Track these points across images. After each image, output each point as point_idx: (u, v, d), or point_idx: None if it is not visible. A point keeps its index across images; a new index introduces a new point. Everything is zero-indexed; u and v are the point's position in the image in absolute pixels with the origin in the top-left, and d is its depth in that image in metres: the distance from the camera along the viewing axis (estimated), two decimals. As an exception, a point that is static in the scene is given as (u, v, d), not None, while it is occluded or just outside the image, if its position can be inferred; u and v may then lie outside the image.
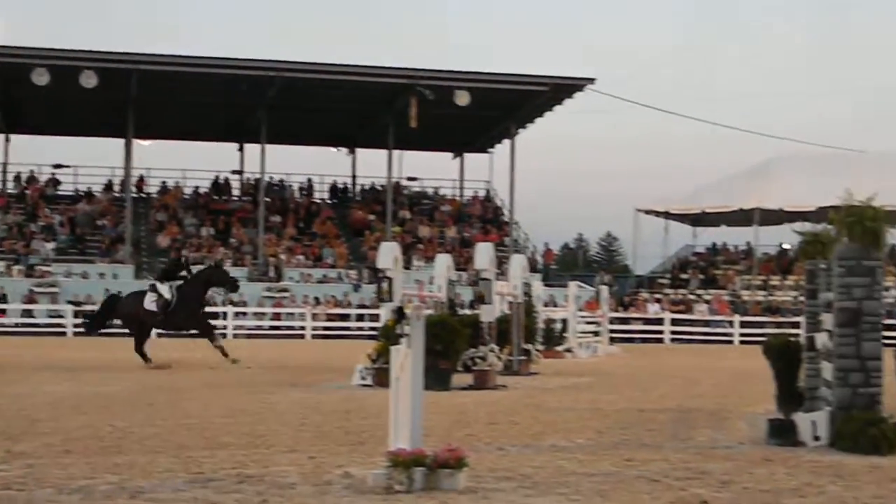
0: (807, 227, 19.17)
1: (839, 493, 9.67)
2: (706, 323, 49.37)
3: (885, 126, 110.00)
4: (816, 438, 12.66)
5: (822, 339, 13.59)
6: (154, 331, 28.72)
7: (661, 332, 48.20)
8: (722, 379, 23.71)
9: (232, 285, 29.25)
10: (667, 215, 59.01)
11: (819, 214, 40.62)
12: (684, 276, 57.31)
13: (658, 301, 52.28)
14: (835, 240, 13.54)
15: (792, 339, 14.38)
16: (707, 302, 51.90)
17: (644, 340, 46.85)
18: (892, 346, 13.29)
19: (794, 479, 10.35)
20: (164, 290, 26.67)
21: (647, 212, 58.74)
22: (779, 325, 40.06)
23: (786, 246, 56.35)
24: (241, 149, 60.40)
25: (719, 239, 60.91)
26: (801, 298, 17.03)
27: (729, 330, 48.26)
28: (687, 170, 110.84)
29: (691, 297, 53.41)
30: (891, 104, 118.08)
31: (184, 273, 27.34)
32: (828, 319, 13.28)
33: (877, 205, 12.90)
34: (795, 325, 18.41)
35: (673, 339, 47.49)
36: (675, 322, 48.84)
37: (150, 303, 26.59)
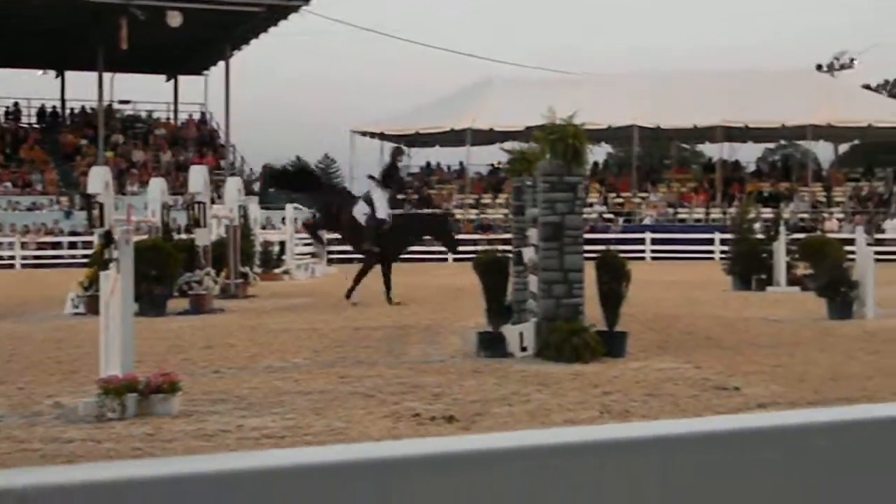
0: (515, 146, 19.68)
1: (544, 400, 10.12)
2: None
3: (594, 50, 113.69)
4: (524, 349, 13.17)
5: (528, 254, 14.10)
6: None
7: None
8: (436, 295, 24.26)
9: (451, 244, 25.21)
10: (382, 136, 59.36)
11: (527, 134, 41.63)
12: (400, 196, 57.99)
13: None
14: (539, 157, 14.03)
15: (500, 254, 14.84)
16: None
17: (361, 260, 47.19)
18: (594, 258, 13.90)
19: (502, 389, 10.76)
20: (382, 203, 22.17)
21: (363, 133, 58.98)
22: (491, 241, 40.99)
23: (496, 164, 57.72)
24: (-61, 72, 57.31)
25: (434, 159, 61.94)
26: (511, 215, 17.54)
27: (443, 248, 49.15)
28: (406, 91, 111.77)
29: (408, 216, 54.12)
30: (589, 29, 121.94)
31: (398, 193, 23.35)
32: (533, 234, 13.78)
33: (578, 123, 13.42)
34: (507, 241, 18.89)
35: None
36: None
37: (359, 214, 22.30)
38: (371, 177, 23.36)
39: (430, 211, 25.58)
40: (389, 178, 23.04)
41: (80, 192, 47.43)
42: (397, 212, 22.49)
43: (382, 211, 22.02)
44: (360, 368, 12.29)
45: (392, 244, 22.28)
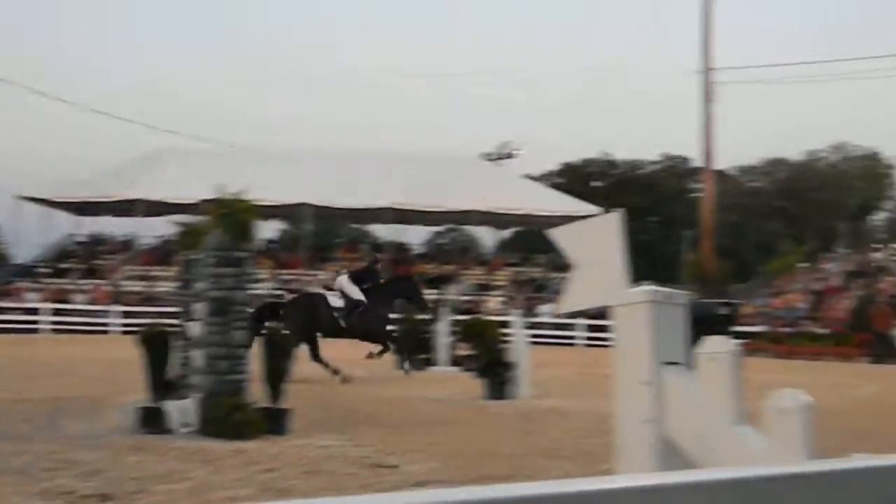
0: (187, 218, 19.65)
1: (205, 477, 10.06)
2: (86, 313, 48.77)
3: (274, 123, 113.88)
4: (186, 425, 13.05)
5: (194, 328, 14.00)
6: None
7: (39, 321, 47.05)
8: (98, 369, 23.60)
9: (420, 301, 25.90)
10: (49, 203, 57.56)
11: (200, 207, 41.19)
12: (65, 265, 56.24)
13: (37, 290, 50.97)
14: (208, 231, 14.02)
15: (164, 328, 14.68)
16: (87, 292, 51.33)
17: (21, 331, 45.45)
18: (263, 335, 13.98)
19: (162, 466, 10.62)
20: (355, 291, 23.87)
21: (30, 199, 56.95)
22: (159, 314, 40.35)
23: (166, 237, 56.90)
24: None
25: (106, 229, 60.42)
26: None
27: (109, 319, 47.98)
28: (79, 158, 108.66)
29: (71, 286, 52.53)
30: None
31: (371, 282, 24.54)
32: (200, 308, 13.71)
33: (246, 198, 13.54)
34: (176, 314, 18.57)
35: (53, 330, 46.49)
36: (54, 312, 47.85)
37: (336, 300, 23.80)
38: (348, 274, 25.08)
39: (392, 276, 28.56)
40: (367, 277, 24.69)
41: None
42: (367, 286, 24.15)
43: (356, 294, 23.75)
44: (12, 443, 11.83)
45: (373, 321, 23.72)
